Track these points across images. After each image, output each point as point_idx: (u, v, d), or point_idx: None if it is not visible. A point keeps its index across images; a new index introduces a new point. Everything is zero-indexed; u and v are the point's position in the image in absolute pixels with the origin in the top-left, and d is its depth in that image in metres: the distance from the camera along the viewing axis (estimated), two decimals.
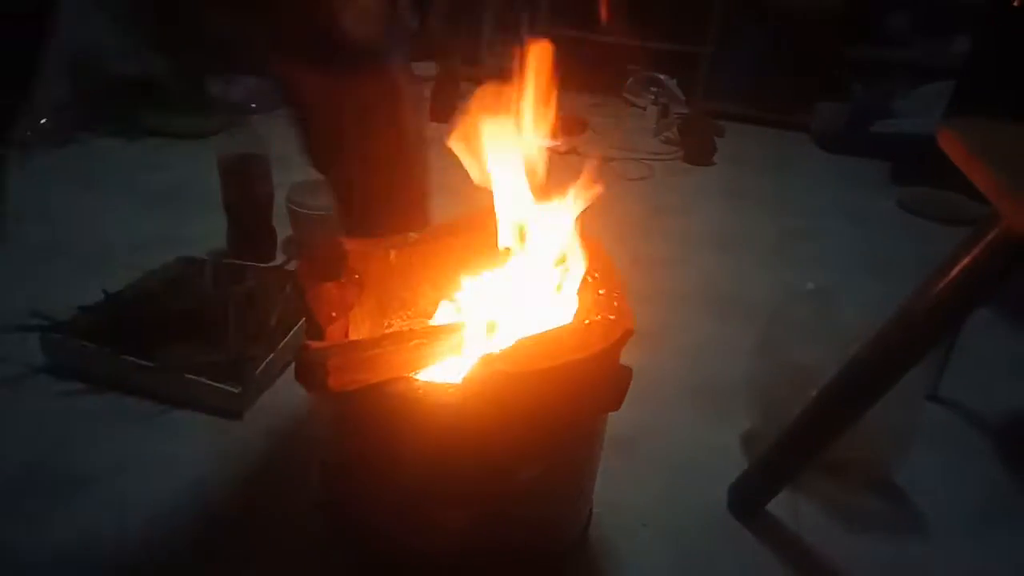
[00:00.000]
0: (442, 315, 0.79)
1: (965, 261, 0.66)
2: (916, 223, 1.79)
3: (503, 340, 0.67)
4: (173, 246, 1.30)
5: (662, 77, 2.39)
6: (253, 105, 2.04)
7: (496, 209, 0.76)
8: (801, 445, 0.83)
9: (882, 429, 0.89)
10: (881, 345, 0.73)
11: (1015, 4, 1.67)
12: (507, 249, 0.77)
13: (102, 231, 1.41)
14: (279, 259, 1.33)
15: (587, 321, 0.67)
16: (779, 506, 0.89)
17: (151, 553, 0.77)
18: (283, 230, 1.37)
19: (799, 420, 0.81)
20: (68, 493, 0.84)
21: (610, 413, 0.71)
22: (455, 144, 0.74)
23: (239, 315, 1.07)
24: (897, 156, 2.03)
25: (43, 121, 1.75)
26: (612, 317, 0.67)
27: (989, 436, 1.06)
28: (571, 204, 0.73)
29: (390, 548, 0.73)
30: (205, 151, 1.65)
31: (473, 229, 0.82)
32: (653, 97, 2.33)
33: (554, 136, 0.75)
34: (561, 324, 0.67)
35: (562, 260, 0.76)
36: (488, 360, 0.60)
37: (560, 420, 0.65)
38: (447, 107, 2.20)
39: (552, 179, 0.76)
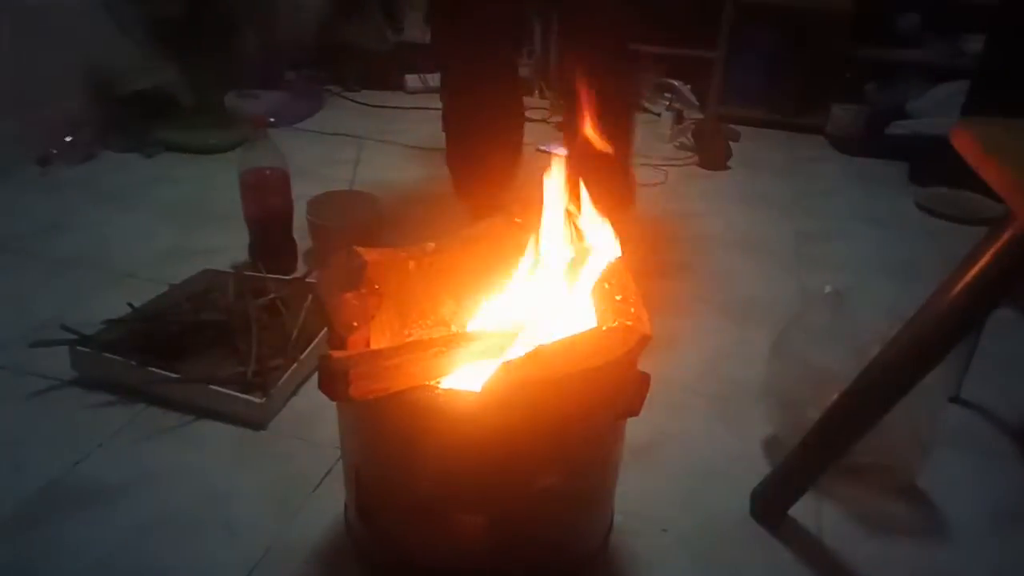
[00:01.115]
0: (461, 324, 0.80)
1: (983, 261, 0.66)
2: (934, 224, 1.77)
3: (522, 348, 0.68)
4: (196, 259, 1.32)
5: (676, 83, 2.39)
6: (271, 119, 2.07)
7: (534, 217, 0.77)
8: (823, 449, 0.83)
9: (904, 432, 0.88)
10: (901, 347, 0.73)
11: None
12: (525, 257, 0.78)
13: (126, 245, 1.44)
14: (300, 271, 1.34)
15: (605, 328, 0.67)
16: (802, 511, 0.88)
17: (177, 562, 0.79)
18: (303, 242, 1.39)
19: (820, 424, 0.81)
20: (96, 503, 0.85)
21: (629, 419, 0.71)
22: None
23: (262, 327, 1.08)
24: (913, 157, 2.01)
25: (68, 139, 1.79)
26: (629, 323, 0.67)
27: (1012, 438, 1.05)
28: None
29: (412, 555, 0.74)
30: (224, 165, 1.68)
31: (491, 239, 0.83)
32: (667, 103, 2.33)
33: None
34: (579, 331, 0.68)
35: (579, 267, 0.77)
36: (507, 367, 0.60)
37: (580, 427, 0.66)
38: None
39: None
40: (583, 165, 0.75)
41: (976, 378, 1.10)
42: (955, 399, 1.11)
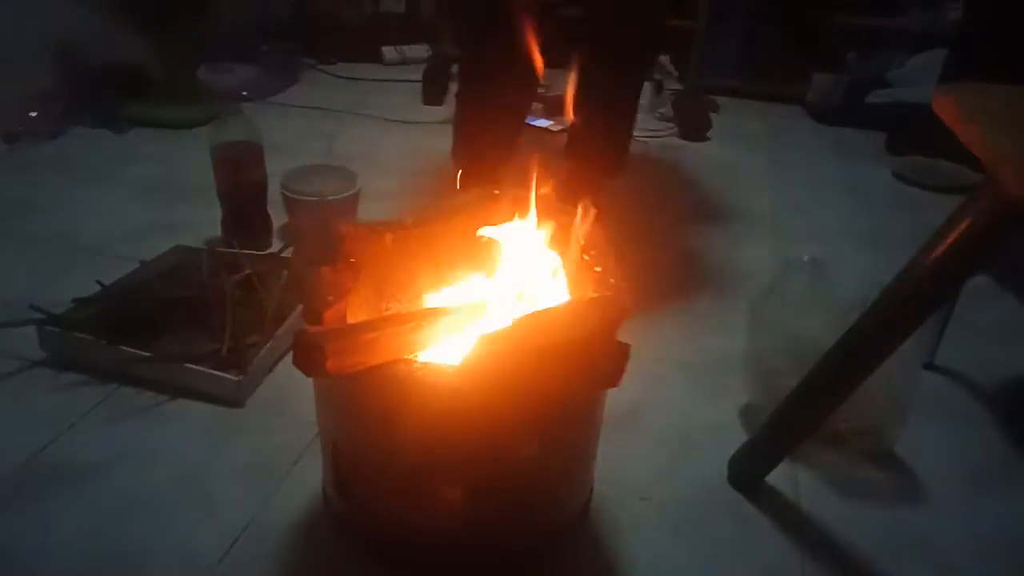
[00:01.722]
0: (439, 298, 0.79)
1: (960, 227, 0.65)
2: (911, 193, 1.78)
3: (501, 320, 0.67)
4: (167, 236, 1.30)
5: None
6: (244, 93, 2.02)
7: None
8: (800, 417, 0.84)
9: (880, 399, 0.89)
10: (878, 314, 0.74)
11: None
12: (503, 231, 0.77)
13: (96, 222, 1.41)
14: (275, 246, 1.32)
15: (584, 299, 0.67)
16: (779, 478, 0.89)
17: (154, 542, 0.78)
18: (278, 217, 1.36)
19: (797, 392, 0.82)
20: (69, 485, 0.84)
21: (609, 390, 0.71)
22: None
23: (236, 303, 1.07)
24: (892, 126, 2.02)
25: (33, 114, 1.74)
26: (609, 295, 0.67)
27: (985, 404, 1.07)
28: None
29: (394, 529, 0.73)
30: (196, 140, 1.64)
31: (468, 213, 0.81)
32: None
33: (550, 115, 0.76)
34: (559, 303, 0.67)
35: (558, 241, 0.76)
36: (486, 340, 0.60)
37: (559, 398, 0.65)
38: (440, 90, 2.18)
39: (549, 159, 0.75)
40: (581, 131, 0.75)
41: (950, 345, 1.12)
42: (930, 366, 1.12)
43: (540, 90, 2.24)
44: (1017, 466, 0.96)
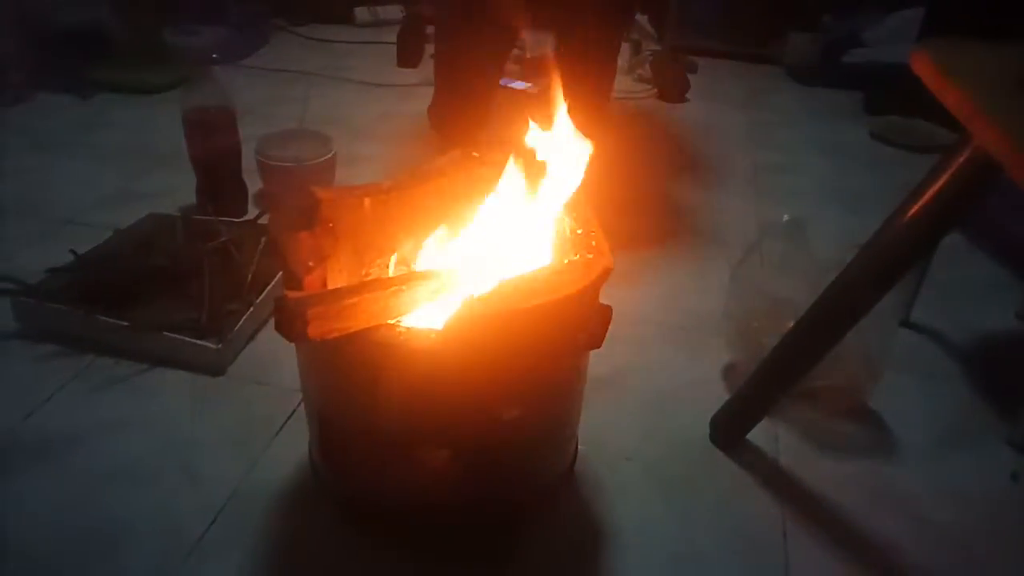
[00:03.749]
0: (420, 261, 0.78)
1: (937, 184, 0.66)
2: (888, 152, 1.79)
3: (483, 283, 0.67)
4: (140, 204, 1.27)
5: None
6: (214, 55, 1.96)
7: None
8: (779, 375, 0.85)
9: (857, 356, 0.91)
10: (855, 272, 0.74)
11: None
12: (484, 192, 0.76)
13: (66, 191, 1.38)
14: (251, 213, 1.30)
15: (566, 261, 0.67)
16: (759, 435, 0.91)
17: (135, 514, 0.78)
18: (254, 183, 1.34)
19: (777, 350, 0.83)
20: (48, 458, 0.83)
21: (591, 351, 0.71)
22: None
23: (214, 271, 1.05)
24: (869, 86, 2.02)
25: None
26: (590, 256, 0.67)
27: (959, 360, 1.09)
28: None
29: (378, 493, 0.74)
30: (165, 105, 1.61)
31: (447, 175, 0.80)
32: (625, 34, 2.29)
33: (527, 78, 0.75)
34: (540, 265, 0.67)
35: (539, 203, 0.75)
36: (469, 303, 0.60)
37: (542, 360, 0.65)
38: (414, 52, 2.14)
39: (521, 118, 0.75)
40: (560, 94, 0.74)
41: (925, 303, 1.14)
42: (905, 323, 1.14)
43: (516, 51, 2.21)
44: (988, 419, 0.98)
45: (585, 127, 0.72)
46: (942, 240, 0.80)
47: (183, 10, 2.06)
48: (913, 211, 0.68)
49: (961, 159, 0.64)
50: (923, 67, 0.66)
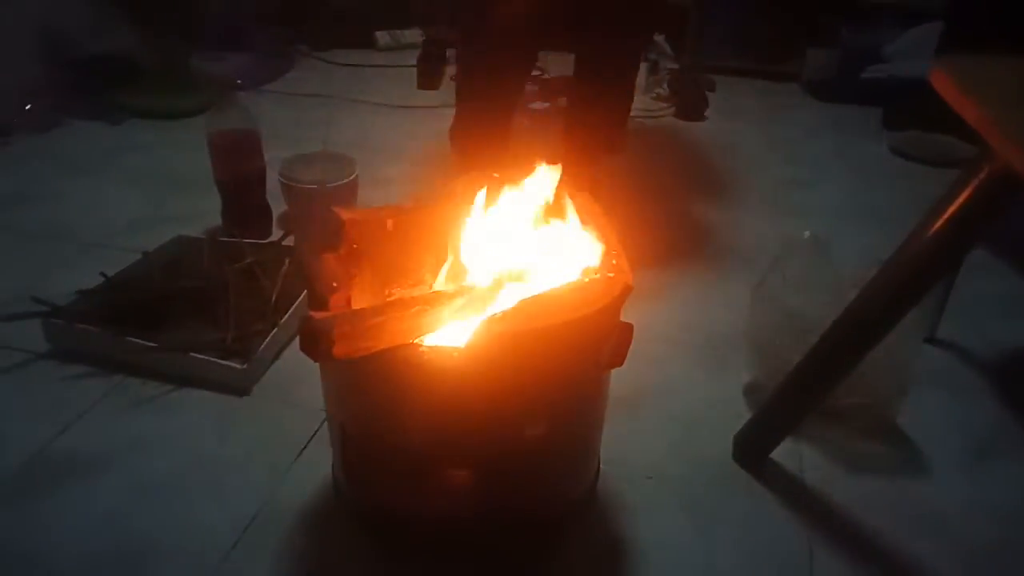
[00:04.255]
0: (443, 281, 0.79)
1: (959, 200, 0.66)
2: (908, 167, 1.78)
3: (505, 302, 0.68)
4: (168, 226, 1.30)
5: None
6: (239, 81, 2.01)
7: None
8: (803, 393, 0.84)
9: (882, 373, 0.90)
10: (879, 289, 0.74)
11: None
12: (505, 212, 0.77)
13: (95, 215, 1.41)
14: (276, 234, 1.32)
15: (587, 278, 0.67)
16: (783, 454, 0.90)
17: (164, 531, 0.79)
18: (278, 206, 1.36)
19: (800, 368, 0.82)
20: (79, 476, 0.85)
21: (613, 369, 0.72)
22: None
23: (239, 292, 1.07)
24: (888, 101, 2.01)
25: (27, 107, 1.73)
26: (611, 274, 0.67)
27: (986, 375, 1.07)
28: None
29: (401, 511, 0.74)
30: (191, 129, 1.64)
31: (468, 195, 0.81)
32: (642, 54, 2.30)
33: (547, 98, 0.76)
34: (562, 282, 0.67)
35: (558, 219, 0.76)
36: (491, 322, 0.60)
37: (564, 378, 0.66)
38: (435, 74, 2.17)
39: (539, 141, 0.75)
40: (579, 112, 0.74)
41: (951, 317, 1.12)
42: (931, 339, 1.12)
43: (536, 72, 2.23)
44: (1016, 435, 0.97)
45: (604, 147, 0.72)
46: (967, 255, 0.79)
47: (209, 37, 2.11)
48: (934, 227, 0.68)
49: (981, 174, 0.64)
50: (942, 83, 0.66)
